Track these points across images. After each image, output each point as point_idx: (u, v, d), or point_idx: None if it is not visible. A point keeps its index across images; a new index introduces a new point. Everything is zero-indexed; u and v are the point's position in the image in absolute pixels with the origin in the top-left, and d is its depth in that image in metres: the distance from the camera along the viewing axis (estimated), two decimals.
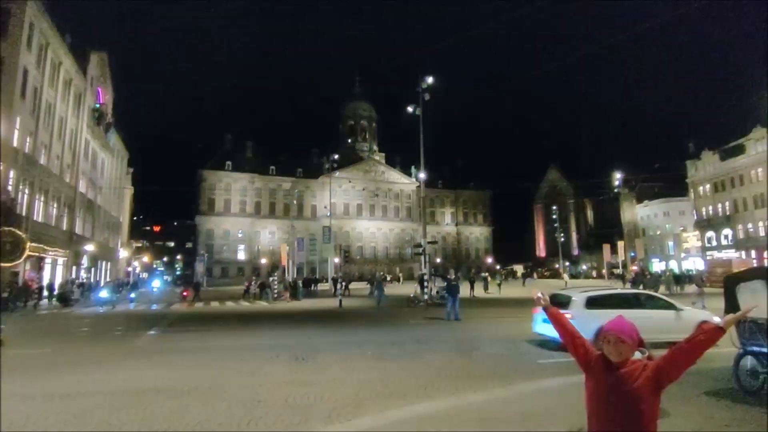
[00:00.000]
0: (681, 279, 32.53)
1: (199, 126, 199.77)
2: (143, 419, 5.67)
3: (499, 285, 38.47)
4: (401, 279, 74.68)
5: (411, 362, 9.47)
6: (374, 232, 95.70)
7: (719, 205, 69.30)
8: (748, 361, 6.33)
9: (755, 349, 6.21)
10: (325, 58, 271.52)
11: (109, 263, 53.72)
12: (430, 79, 29.34)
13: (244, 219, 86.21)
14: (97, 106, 45.44)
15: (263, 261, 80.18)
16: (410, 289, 35.61)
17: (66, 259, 37.43)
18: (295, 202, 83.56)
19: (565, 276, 45.14)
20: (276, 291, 29.67)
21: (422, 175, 30.63)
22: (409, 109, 30.19)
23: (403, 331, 14.49)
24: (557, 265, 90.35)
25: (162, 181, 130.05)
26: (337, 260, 56.52)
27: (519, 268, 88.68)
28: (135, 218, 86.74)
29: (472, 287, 32.77)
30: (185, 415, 5.86)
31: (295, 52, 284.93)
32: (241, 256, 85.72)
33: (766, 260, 56.92)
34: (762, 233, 60.93)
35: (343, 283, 28.61)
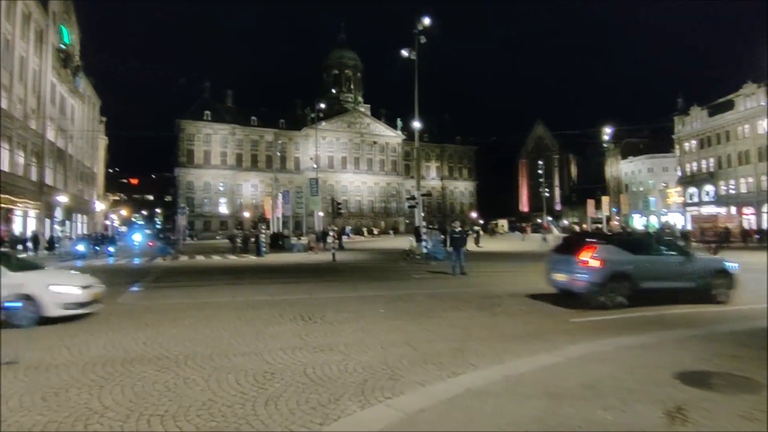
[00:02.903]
0: (687, 236, 31.17)
1: (175, 73, 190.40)
2: (132, 400, 4.54)
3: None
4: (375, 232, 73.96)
5: (431, 321, 8.54)
6: (359, 186, 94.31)
7: (704, 162, 69.49)
8: None
9: None
10: (308, 2, 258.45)
11: (85, 216, 51.50)
12: (426, 21, 27.26)
13: (225, 171, 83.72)
14: (63, 46, 41.82)
15: (246, 214, 78.56)
16: (397, 242, 34.94)
17: (38, 211, 35.36)
18: (278, 154, 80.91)
19: (555, 231, 44.86)
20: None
21: (417, 124, 29.06)
22: (404, 52, 28.22)
23: (410, 286, 13.60)
24: (539, 220, 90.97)
25: (138, 132, 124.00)
26: (321, 214, 55.25)
27: (504, 223, 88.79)
28: (111, 170, 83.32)
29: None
30: (185, 392, 4.77)
31: None
32: (224, 209, 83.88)
33: (744, 216, 57.89)
34: (744, 190, 61.56)
35: (333, 236, 27.44)
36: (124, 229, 76.08)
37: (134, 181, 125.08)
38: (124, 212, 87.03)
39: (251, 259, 26.28)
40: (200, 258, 28.14)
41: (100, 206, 59.81)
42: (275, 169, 71.67)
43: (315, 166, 50.68)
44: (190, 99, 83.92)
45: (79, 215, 48.62)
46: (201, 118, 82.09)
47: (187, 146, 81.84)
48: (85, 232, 45.98)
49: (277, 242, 34.53)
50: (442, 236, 25.83)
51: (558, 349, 6.46)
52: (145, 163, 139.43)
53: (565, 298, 10.11)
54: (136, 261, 25.90)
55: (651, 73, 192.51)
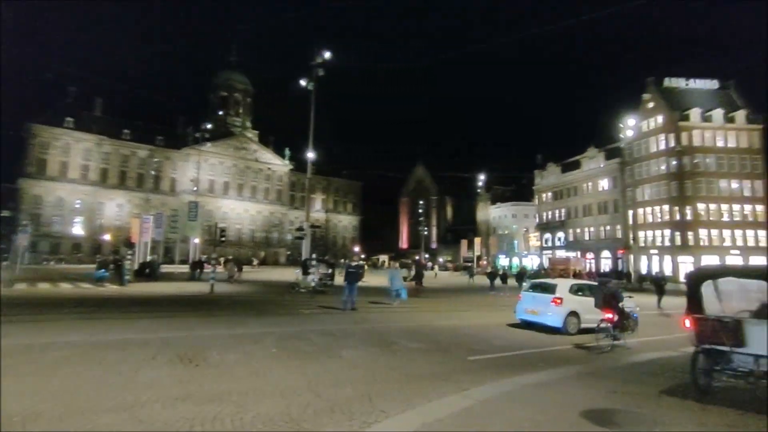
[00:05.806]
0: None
1: (35, 70, 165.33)
2: None
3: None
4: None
5: (331, 361, 7.98)
6: (241, 213, 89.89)
7: (556, 211, 79.49)
8: (703, 360, 6.21)
9: (712, 347, 6.09)
10: (197, 18, 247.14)
11: None
12: (327, 54, 27.49)
13: (85, 187, 73.89)
14: None
15: (106, 237, 69.71)
16: (279, 274, 33.53)
17: None
18: (152, 173, 73.97)
19: (436, 268, 47.07)
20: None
21: (311, 155, 28.83)
22: (302, 82, 28.03)
23: (301, 323, 12.82)
24: (417, 257, 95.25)
25: None
26: (197, 240, 51.26)
27: (384, 258, 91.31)
28: None
29: None
30: None
31: (166, 10, 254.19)
32: (79, 230, 73.44)
33: (587, 260, 66.94)
34: (587, 237, 71.51)
35: (215, 266, 25.21)
36: None
37: None
38: None
39: (112, 288, 22.97)
40: (44, 285, 23.89)
41: None
42: (147, 190, 65.22)
43: (195, 188, 47.22)
44: (50, 100, 73.66)
45: None
46: (60, 124, 72.07)
47: (39, 154, 70.85)
48: None
49: (144, 270, 30.67)
50: (330, 270, 25.44)
51: (466, 389, 6.38)
52: None
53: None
54: None
55: (518, 129, 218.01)
